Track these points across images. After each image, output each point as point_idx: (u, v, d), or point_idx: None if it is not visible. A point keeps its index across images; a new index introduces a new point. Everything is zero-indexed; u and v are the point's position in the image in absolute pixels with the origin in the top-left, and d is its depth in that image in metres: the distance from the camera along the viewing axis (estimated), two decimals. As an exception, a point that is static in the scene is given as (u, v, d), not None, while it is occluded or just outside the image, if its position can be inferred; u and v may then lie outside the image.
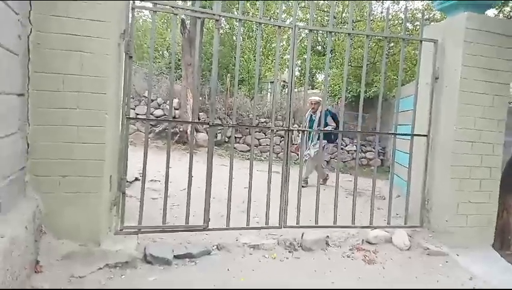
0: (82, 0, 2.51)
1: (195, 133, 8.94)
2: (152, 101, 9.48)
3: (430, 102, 3.79)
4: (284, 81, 15.19)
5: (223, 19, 3.31)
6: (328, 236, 3.40)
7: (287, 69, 14.33)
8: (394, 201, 3.99)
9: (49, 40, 2.46)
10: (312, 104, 6.15)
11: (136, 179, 4.89)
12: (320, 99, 5.43)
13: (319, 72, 16.64)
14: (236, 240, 3.23)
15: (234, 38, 14.12)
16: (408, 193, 3.81)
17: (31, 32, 2.40)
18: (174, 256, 2.81)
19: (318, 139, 5.54)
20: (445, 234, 3.58)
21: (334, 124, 5.87)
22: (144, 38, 16.40)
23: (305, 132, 5.47)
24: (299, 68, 14.78)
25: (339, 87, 11.14)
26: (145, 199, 3.18)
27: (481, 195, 3.65)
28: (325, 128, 5.04)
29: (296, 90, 13.43)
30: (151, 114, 9.24)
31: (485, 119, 3.64)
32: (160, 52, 16.25)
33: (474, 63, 3.56)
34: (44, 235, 2.50)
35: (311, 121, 6.10)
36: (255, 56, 14.11)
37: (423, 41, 3.81)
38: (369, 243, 3.50)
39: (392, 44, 9.29)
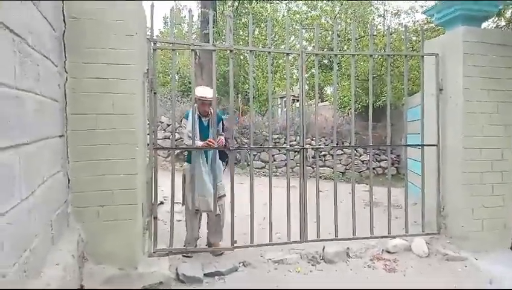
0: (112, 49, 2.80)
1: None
2: (168, 126, 9.83)
3: (436, 112, 3.96)
4: (293, 95, 15.45)
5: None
6: (348, 248, 3.55)
7: (295, 84, 14.63)
8: (411, 209, 4.11)
9: (82, 84, 2.75)
10: (200, 100, 3.60)
11: (161, 202, 5.14)
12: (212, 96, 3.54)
13: (327, 85, 16.86)
14: (261, 257, 3.41)
15: (242, 57, 14.53)
16: (423, 201, 3.94)
17: (66, 80, 2.70)
18: (204, 274, 3.01)
19: (213, 158, 3.55)
20: (463, 239, 3.68)
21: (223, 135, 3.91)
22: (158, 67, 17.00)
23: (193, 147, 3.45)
24: (308, 83, 15.04)
25: (348, 98, 11.32)
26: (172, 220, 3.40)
27: (494, 199, 3.75)
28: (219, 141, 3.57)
29: (306, 104, 13.65)
30: (168, 138, 9.57)
31: (491, 126, 3.78)
32: (171, 76, 16.77)
33: (475, 73, 3.73)
34: (86, 262, 2.74)
35: (202, 127, 3.67)
36: (263, 74, 14.50)
37: (425, 56, 4.00)
38: (389, 252, 3.63)
39: (396, 58, 9.49)
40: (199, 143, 3.52)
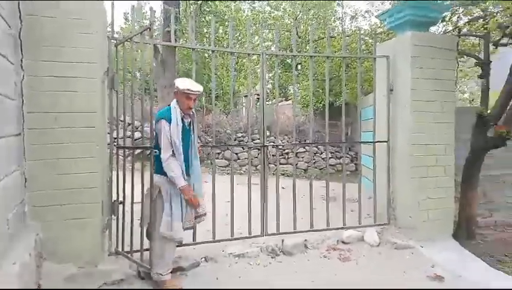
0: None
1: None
2: (129, 125, 9.63)
3: (387, 111, 4.24)
4: (257, 94, 15.63)
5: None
6: (306, 240, 3.74)
7: (259, 83, 14.83)
8: (366, 202, 4.40)
9: (41, 83, 2.71)
10: (186, 94, 2.82)
11: (121, 202, 5.07)
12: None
13: (291, 85, 17.22)
14: (223, 251, 3.51)
15: (206, 55, 14.48)
16: (375, 194, 4.21)
17: (23, 78, 2.64)
18: (168, 270, 3.04)
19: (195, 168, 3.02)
20: (410, 229, 3.99)
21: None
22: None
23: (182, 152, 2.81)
24: (271, 82, 15.27)
25: (310, 97, 11.68)
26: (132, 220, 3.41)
27: (438, 191, 4.09)
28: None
29: (269, 102, 13.86)
30: (129, 137, 9.40)
31: (436, 124, 4.11)
32: (133, 73, 16.37)
33: (422, 75, 4.04)
34: (44, 261, 2.71)
35: (184, 130, 2.86)
36: (227, 72, 14.55)
37: (377, 58, 4.27)
38: (344, 242, 3.86)
39: (352, 59, 9.89)
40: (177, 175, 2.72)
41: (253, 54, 4.20)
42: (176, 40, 3.62)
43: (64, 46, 2.77)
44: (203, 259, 3.37)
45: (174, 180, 2.72)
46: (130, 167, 3.18)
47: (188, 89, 2.81)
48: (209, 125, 10.15)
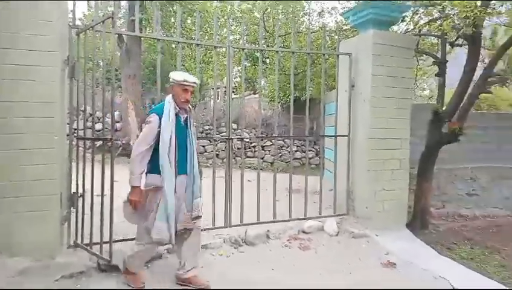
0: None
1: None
2: (90, 115, 9.33)
3: (348, 107, 4.40)
4: (225, 87, 15.58)
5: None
6: (268, 230, 3.84)
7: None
8: (327, 194, 4.57)
9: (-3, 71, 2.60)
10: (183, 85, 2.67)
11: (80, 195, 4.93)
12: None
13: (257, 78, 17.29)
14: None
15: (173, 46, 14.20)
16: (335, 186, 4.39)
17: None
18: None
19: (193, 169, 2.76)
20: (367, 219, 4.19)
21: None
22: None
23: (174, 150, 2.62)
24: (239, 75, 15.26)
25: (279, 92, 11.81)
26: (94, 213, 3.35)
27: (394, 183, 4.32)
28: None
29: (237, 96, 13.87)
30: (89, 128, 9.12)
31: (393, 119, 4.31)
32: (95, 62, 15.80)
33: (382, 72, 4.22)
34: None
35: (179, 128, 2.68)
36: (196, 64, 14.34)
37: (340, 55, 4.41)
38: (305, 232, 4.00)
39: (318, 55, 10.08)
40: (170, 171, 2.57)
41: (219, 47, 4.21)
42: (141, 29, 3.55)
43: (22, 34, 2.67)
44: (166, 251, 3.38)
45: (130, 176, 2.56)
46: (91, 159, 3.12)
47: (185, 80, 2.66)
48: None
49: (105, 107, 3.43)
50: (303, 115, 4.51)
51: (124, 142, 9.17)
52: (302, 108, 4.20)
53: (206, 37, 12.03)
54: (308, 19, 8.44)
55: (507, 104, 10.10)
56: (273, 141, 10.48)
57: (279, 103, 11.69)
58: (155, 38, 3.61)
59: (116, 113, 9.33)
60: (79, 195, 3.22)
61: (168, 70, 13.58)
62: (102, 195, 2.89)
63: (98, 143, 5.22)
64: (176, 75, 2.71)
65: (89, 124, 9.51)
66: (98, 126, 9.50)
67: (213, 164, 3.85)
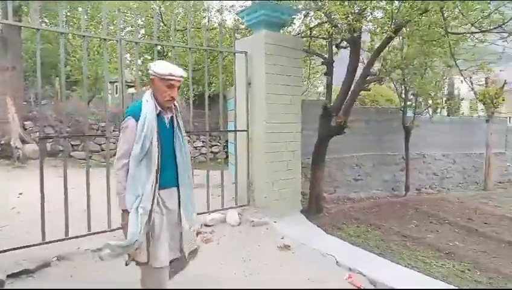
0: None
1: (21, 145, 8.01)
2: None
3: (246, 103, 4.59)
4: (127, 81, 14.74)
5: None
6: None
7: (128, 69, 13.98)
8: (231, 187, 4.71)
9: None
10: (167, 80, 2.17)
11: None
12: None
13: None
14: (78, 248, 3.31)
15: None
16: (236, 178, 4.56)
17: None
18: (8, 276, 2.74)
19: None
20: (266, 208, 4.46)
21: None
22: None
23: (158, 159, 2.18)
24: (140, 69, 14.59)
25: (181, 87, 11.62)
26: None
27: (288, 173, 4.67)
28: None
29: (139, 91, 13.24)
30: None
31: (286, 114, 4.65)
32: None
33: (274, 70, 4.50)
34: None
35: (163, 130, 2.24)
36: (89, 56, 13.23)
37: (236, 53, 4.57)
38: (207, 225, 4.09)
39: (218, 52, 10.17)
40: (147, 187, 2.11)
41: (110, 40, 3.99)
42: (20, 17, 3.17)
43: None
44: (55, 258, 3.12)
45: (117, 197, 2.16)
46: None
47: (170, 74, 2.15)
48: (66, 114, 9.17)
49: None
50: (209, 110, 4.54)
51: (2, 142, 8.06)
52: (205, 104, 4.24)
53: (99, 29, 11.19)
54: (208, 16, 8.45)
55: (385, 99, 11.63)
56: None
57: (183, 98, 11.54)
58: (33, 28, 3.25)
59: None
60: None
61: (55, 62, 12.34)
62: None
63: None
64: (158, 68, 2.17)
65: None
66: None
67: (106, 164, 3.65)
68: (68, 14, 12.00)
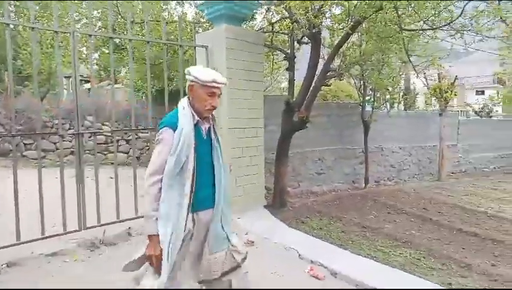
0: None
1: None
2: None
3: (208, 98, 4.52)
4: (82, 76, 14.07)
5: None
6: (130, 227, 3.70)
7: (83, 63, 13.37)
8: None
9: None
10: (209, 87, 1.96)
11: None
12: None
13: (121, 67, 16.17)
14: (32, 253, 3.13)
15: (13, 27, 12.03)
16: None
17: None
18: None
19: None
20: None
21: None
22: None
23: (193, 173, 1.95)
24: (97, 63, 14.01)
25: (142, 82, 11.27)
26: None
27: (252, 169, 4.68)
28: None
29: (96, 86, 12.73)
30: None
31: (250, 110, 4.65)
32: None
33: (236, 65, 4.47)
34: None
35: (201, 142, 2.02)
36: (41, 48, 12.48)
37: (197, 48, 4.49)
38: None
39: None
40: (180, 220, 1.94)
41: (63, 32, 3.78)
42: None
43: None
44: (5, 265, 2.94)
45: (144, 221, 1.97)
46: None
47: (214, 81, 1.95)
48: (18, 111, 8.62)
49: None
50: (171, 106, 4.43)
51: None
52: (170, 99, 4.12)
53: (52, 22, 10.57)
54: (168, 8, 8.22)
55: (345, 94, 11.95)
56: (140, 134, 10.02)
57: (143, 93, 11.22)
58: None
59: None
60: None
61: (3, 55, 11.51)
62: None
63: None
64: (201, 74, 1.96)
65: None
66: None
67: (60, 162, 3.47)
68: (17, 4, 11.25)
